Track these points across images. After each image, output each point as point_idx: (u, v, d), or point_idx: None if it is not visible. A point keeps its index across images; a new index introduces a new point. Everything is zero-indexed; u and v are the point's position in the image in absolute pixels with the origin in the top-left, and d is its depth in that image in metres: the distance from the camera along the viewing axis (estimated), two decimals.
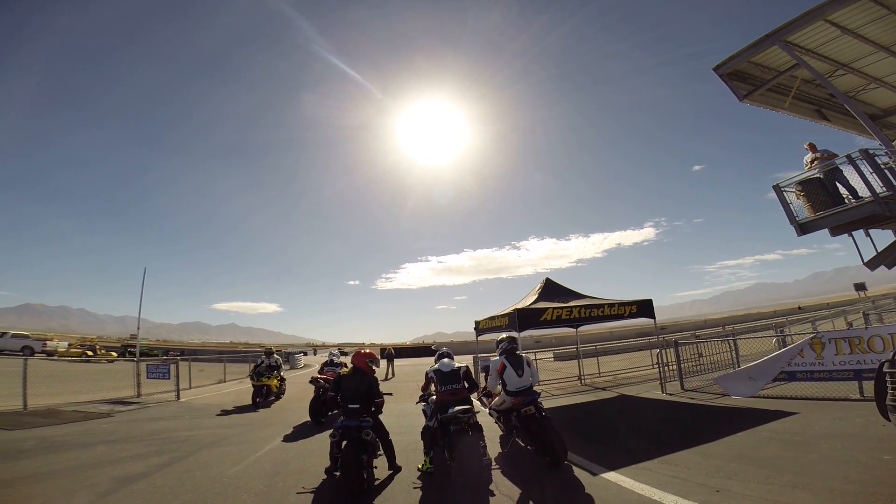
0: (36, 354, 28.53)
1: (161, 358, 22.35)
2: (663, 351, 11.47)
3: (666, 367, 11.10)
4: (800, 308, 48.94)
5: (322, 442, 6.72)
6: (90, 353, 33.09)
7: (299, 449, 7.07)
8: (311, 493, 4.89)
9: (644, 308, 12.30)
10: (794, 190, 10.00)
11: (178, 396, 13.40)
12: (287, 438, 7.84)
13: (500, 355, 6.33)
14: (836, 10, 9.08)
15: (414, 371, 22.28)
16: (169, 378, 14.06)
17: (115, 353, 35.34)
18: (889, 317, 16.33)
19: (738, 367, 10.53)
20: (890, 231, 9.97)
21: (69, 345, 37.30)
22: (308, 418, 9.29)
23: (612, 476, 5.02)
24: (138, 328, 20.56)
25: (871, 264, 9.68)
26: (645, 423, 7.99)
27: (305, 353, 43.27)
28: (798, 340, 8.89)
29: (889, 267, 9.83)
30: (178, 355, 22.02)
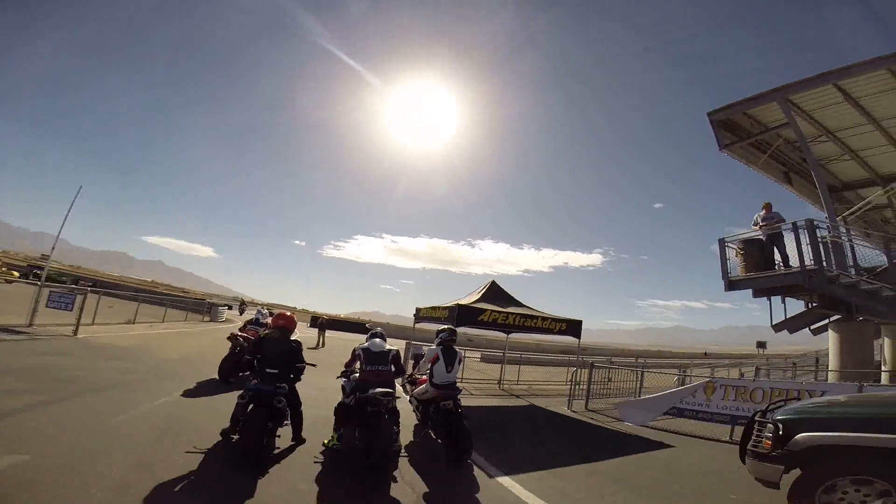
0: None
1: (68, 286, 20.24)
2: (578, 370, 12.15)
3: (577, 386, 11.74)
4: (706, 354, 53.99)
5: (227, 402, 6.20)
6: None
7: (198, 406, 6.77)
8: (201, 453, 4.65)
9: (573, 327, 12.76)
10: (735, 247, 10.39)
11: (75, 332, 12.17)
12: (188, 394, 7.43)
13: (437, 346, 6.26)
14: (855, 76, 9.14)
15: (342, 345, 21.91)
16: (72, 310, 12.76)
17: (16, 273, 31.82)
18: (775, 373, 18.23)
19: (639, 396, 11.33)
20: (802, 302, 10.91)
21: None
22: (216, 376, 8.77)
23: (505, 481, 5.23)
24: (52, 248, 17.67)
25: (777, 328, 10.66)
26: (547, 435, 8.46)
27: (230, 308, 41.12)
28: (695, 382, 9.70)
29: (791, 332, 10.84)
30: (89, 286, 20.04)
